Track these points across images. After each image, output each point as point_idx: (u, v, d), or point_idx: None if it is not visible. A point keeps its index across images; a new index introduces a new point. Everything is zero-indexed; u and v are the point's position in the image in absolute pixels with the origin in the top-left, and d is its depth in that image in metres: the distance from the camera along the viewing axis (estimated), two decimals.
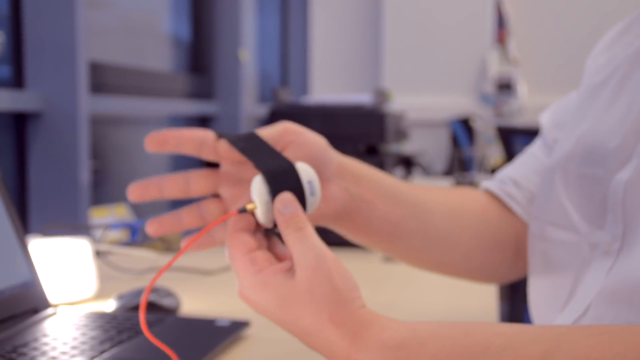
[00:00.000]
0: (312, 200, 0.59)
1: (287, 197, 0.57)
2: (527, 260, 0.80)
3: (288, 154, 0.65)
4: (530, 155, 0.87)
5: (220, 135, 0.66)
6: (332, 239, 0.83)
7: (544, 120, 0.87)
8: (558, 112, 0.86)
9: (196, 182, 0.68)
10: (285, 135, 0.66)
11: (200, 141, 0.66)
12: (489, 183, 0.88)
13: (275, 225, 0.59)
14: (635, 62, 0.71)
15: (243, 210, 0.58)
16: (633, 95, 0.69)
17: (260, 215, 0.58)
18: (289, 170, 0.59)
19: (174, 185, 0.67)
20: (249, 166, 0.65)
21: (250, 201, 0.59)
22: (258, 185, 0.58)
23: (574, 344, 0.48)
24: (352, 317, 0.52)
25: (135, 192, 0.66)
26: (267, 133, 0.66)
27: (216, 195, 0.70)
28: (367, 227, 0.74)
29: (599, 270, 0.65)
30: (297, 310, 0.53)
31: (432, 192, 0.82)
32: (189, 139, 0.66)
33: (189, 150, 0.66)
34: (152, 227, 0.67)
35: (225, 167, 0.69)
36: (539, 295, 0.76)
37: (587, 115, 0.74)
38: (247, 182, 0.64)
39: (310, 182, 0.59)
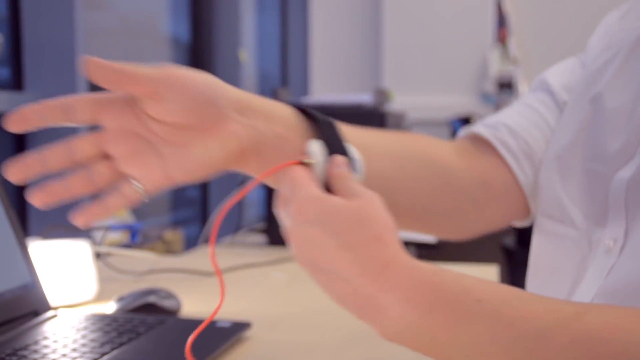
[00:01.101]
0: (356, 177, 0.63)
1: (343, 159, 0.60)
2: (501, 211, 0.78)
3: (172, 97, 0.58)
4: (529, 108, 0.80)
5: (293, 104, 0.67)
6: None
7: (553, 80, 0.81)
8: (565, 76, 0.81)
9: (80, 147, 0.60)
10: (167, 79, 0.58)
11: (64, 106, 0.59)
12: (478, 128, 0.80)
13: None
14: (633, 49, 0.71)
15: (303, 163, 0.60)
16: (635, 89, 0.68)
17: (317, 169, 0.61)
18: (340, 144, 0.63)
19: (56, 155, 0.59)
20: (139, 121, 0.59)
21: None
22: (317, 145, 0.62)
23: (603, 310, 0.50)
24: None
25: (14, 172, 0.58)
26: (146, 74, 0.57)
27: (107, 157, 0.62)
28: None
29: (600, 270, 0.65)
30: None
31: (375, 134, 0.74)
32: (51, 109, 0.58)
33: (57, 119, 0.59)
34: (37, 198, 0.59)
35: (111, 122, 0.60)
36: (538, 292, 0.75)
37: (584, 105, 0.74)
38: (137, 137, 0.59)
39: (357, 160, 0.64)
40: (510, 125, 0.79)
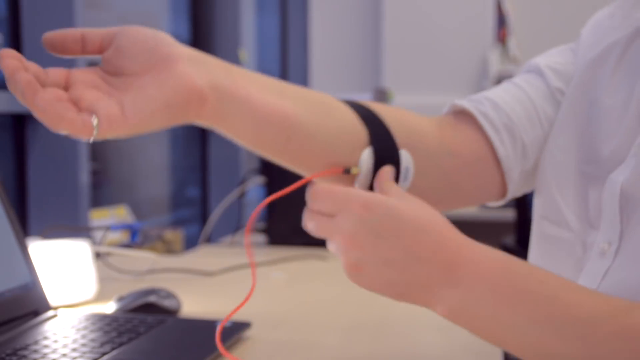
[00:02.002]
0: (402, 184, 0.69)
1: (390, 170, 0.66)
2: (472, 182, 0.78)
3: (124, 42, 0.59)
4: (515, 85, 0.80)
5: (346, 102, 0.70)
6: None
7: (543, 64, 0.80)
8: (555, 60, 0.81)
9: (52, 72, 0.59)
10: (119, 31, 0.60)
11: (80, 36, 0.60)
12: (461, 100, 0.80)
13: (368, 189, 0.68)
14: (626, 49, 0.71)
15: (347, 171, 0.67)
16: (628, 87, 0.68)
17: (361, 179, 0.68)
18: (394, 154, 0.69)
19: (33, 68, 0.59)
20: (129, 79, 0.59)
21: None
22: (367, 156, 0.68)
23: None
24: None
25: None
26: (99, 32, 0.59)
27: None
28: (247, 120, 0.62)
29: (594, 273, 0.64)
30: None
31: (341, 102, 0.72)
32: (71, 38, 0.60)
33: (75, 51, 0.60)
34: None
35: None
36: None
37: (579, 105, 0.74)
38: (100, 79, 0.59)
39: (407, 168, 0.69)
40: (493, 99, 0.78)
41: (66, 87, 0.58)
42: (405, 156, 0.70)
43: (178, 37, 2.35)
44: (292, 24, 3.67)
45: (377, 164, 0.67)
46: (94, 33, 0.60)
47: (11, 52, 0.57)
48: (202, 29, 2.66)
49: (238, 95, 0.61)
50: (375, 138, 0.68)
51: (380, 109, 0.73)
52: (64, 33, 0.60)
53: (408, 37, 3.33)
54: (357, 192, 0.60)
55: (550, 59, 0.81)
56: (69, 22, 1.58)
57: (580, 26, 0.84)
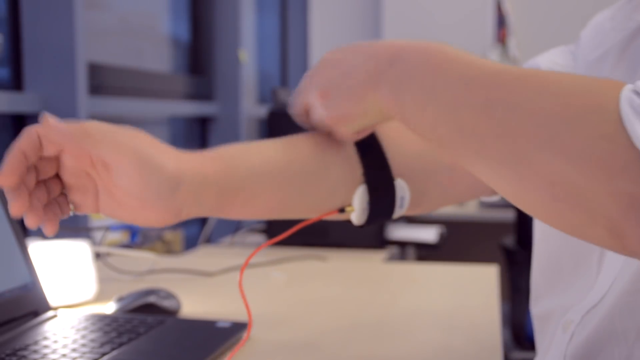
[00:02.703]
0: (398, 212, 0.71)
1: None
2: (466, 176, 0.78)
3: (120, 172, 0.58)
4: None
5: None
6: (332, 239, 0.83)
7: (543, 64, 0.82)
8: (555, 61, 0.82)
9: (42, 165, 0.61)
10: (117, 150, 0.58)
11: (33, 142, 0.61)
12: None
13: (362, 226, 0.71)
14: (625, 49, 0.71)
15: (342, 211, 0.70)
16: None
17: (355, 217, 0.70)
18: (389, 186, 0.70)
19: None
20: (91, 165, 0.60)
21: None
22: (360, 194, 0.69)
23: None
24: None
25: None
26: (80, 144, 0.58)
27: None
28: (245, 215, 0.67)
29: (615, 258, 0.65)
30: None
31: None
32: (26, 150, 0.61)
33: (33, 156, 0.60)
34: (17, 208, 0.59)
35: (69, 160, 0.60)
36: (558, 288, 0.75)
37: None
38: (86, 175, 0.60)
39: (402, 198, 0.71)
40: None
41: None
42: (400, 185, 0.71)
43: (178, 37, 2.35)
44: (292, 24, 3.67)
45: (372, 197, 0.69)
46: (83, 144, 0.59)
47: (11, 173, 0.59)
48: (202, 29, 2.66)
49: (227, 206, 0.64)
50: (369, 173, 0.70)
51: (385, 132, 0.74)
52: (70, 136, 0.59)
53: (408, 37, 3.32)
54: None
55: (551, 59, 0.82)
56: (69, 22, 1.58)
57: (580, 26, 0.84)
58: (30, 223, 0.59)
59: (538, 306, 0.77)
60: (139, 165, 0.58)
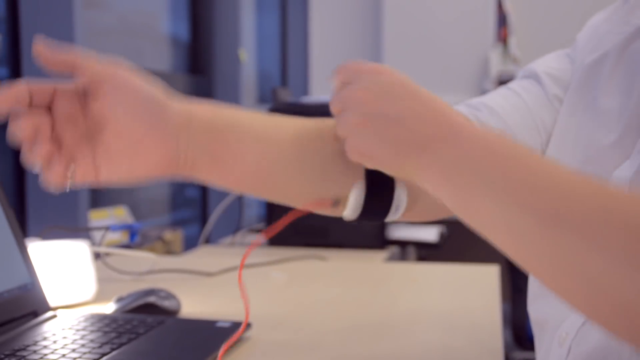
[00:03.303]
0: (392, 216, 0.70)
1: None
2: None
3: (112, 98, 0.60)
4: (512, 92, 0.80)
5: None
6: (332, 239, 0.82)
7: (540, 69, 0.81)
8: (551, 65, 0.81)
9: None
10: (113, 78, 0.61)
11: (24, 93, 0.62)
12: (460, 107, 0.80)
13: (354, 221, 0.69)
14: (623, 52, 0.71)
15: (336, 204, 0.68)
16: (626, 88, 0.68)
17: (347, 212, 0.68)
18: (388, 189, 0.68)
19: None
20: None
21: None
22: (357, 190, 0.67)
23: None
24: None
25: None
26: (92, 69, 0.62)
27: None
28: (235, 172, 0.66)
29: None
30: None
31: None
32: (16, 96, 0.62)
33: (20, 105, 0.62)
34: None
35: (60, 109, 0.63)
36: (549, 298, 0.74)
37: (577, 108, 0.74)
38: (79, 127, 0.61)
39: (397, 206, 0.69)
40: (491, 105, 0.78)
41: (49, 104, 0.62)
42: (399, 194, 0.70)
43: (178, 36, 2.35)
44: (292, 23, 3.67)
45: (368, 197, 0.67)
46: (89, 68, 0.62)
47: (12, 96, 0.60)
48: (202, 29, 2.66)
49: (222, 170, 0.65)
50: (370, 172, 0.68)
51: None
52: (71, 58, 0.63)
53: (408, 36, 3.33)
54: (371, 63, 0.61)
55: (548, 64, 0.81)
56: (68, 22, 1.58)
57: (580, 26, 0.84)
58: (29, 154, 0.59)
59: (534, 307, 0.77)
60: (135, 88, 0.61)
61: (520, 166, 0.52)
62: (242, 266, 0.66)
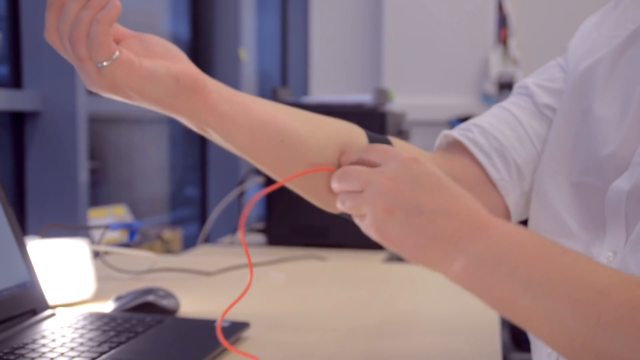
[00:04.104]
0: None
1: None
2: None
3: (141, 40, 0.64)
4: (502, 109, 0.82)
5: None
6: (332, 239, 0.82)
7: (532, 83, 0.82)
8: (543, 78, 0.82)
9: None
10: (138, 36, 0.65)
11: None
12: (451, 131, 0.83)
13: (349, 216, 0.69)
14: (618, 58, 0.70)
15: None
16: (623, 96, 0.68)
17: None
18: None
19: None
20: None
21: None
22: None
23: None
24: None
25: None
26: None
27: None
28: (243, 121, 0.68)
29: None
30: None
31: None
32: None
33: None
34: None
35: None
36: None
37: (572, 117, 0.74)
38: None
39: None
40: (481, 125, 0.80)
41: None
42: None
43: (178, 37, 2.35)
44: (292, 23, 3.67)
45: None
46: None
47: None
48: (202, 29, 2.66)
49: (236, 101, 0.66)
50: (374, 139, 0.71)
51: (394, 142, 0.78)
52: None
53: (408, 38, 3.33)
54: (403, 151, 0.62)
55: (539, 77, 0.83)
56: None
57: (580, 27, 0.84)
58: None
59: None
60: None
61: (554, 264, 0.54)
62: (243, 224, 0.66)
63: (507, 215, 0.80)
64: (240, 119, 0.66)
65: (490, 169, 0.78)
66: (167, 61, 0.62)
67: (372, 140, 0.75)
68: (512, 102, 0.82)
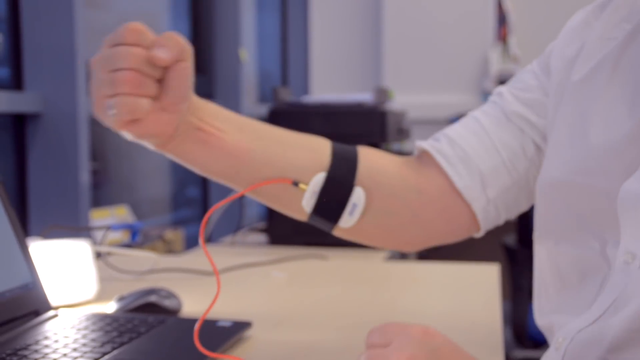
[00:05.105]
0: (347, 218, 0.77)
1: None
2: (441, 217, 0.82)
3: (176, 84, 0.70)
4: (472, 119, 0.85)
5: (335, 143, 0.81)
6: (333, 238, 0.83)
7: (506, 91, 0.84)
8: (519, 89, 0.83)
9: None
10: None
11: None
12: (422, 142, 0.85)
13: (313, 212, 0.76)
14: (619, 58, 0.70)
15: (296, 184, 0.76)
16: (628, 99, 0.67)
17: (305, 198, 0.76)
18: (346, 187, 0.77)
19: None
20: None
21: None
22: (318, 180, 0.76)
23: None
24: None
25: None
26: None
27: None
28: (201, 152, 0.77)
29: (617, 284, 0.62)
30: None
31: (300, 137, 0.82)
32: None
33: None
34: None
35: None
36: (560, 303, 0.73)
37: (574, 121, 0.73)
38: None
39: (354, 205, 0.76)
40: (449, 135, 0.84)
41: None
42: (357, 193, 0.76)
43: None
44: (292, 22, 3.67)
45: (329, 192, 0.76)
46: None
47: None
48: (202, 29, 2.66)
49: (203, 140, 0.76)
50: (335, 170, 0.76)
51: (361, 152, 0.83)
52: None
53: (408, 36, 3.33)
54: (414, 324, 0.59)
55: (514, 84, 0.85)
56: (68, 22, 1.58)
57: None
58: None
59: (542, 318, 0.76)
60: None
61: None
62: (203, 232, 0.73)
63: (476, 224, 0.83)
64: (199, 151, 0.77)
65: (455, 177, 0.81)
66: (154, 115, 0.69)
67: (336, 151, 0.79)
68: (482, 111, 0.85)
